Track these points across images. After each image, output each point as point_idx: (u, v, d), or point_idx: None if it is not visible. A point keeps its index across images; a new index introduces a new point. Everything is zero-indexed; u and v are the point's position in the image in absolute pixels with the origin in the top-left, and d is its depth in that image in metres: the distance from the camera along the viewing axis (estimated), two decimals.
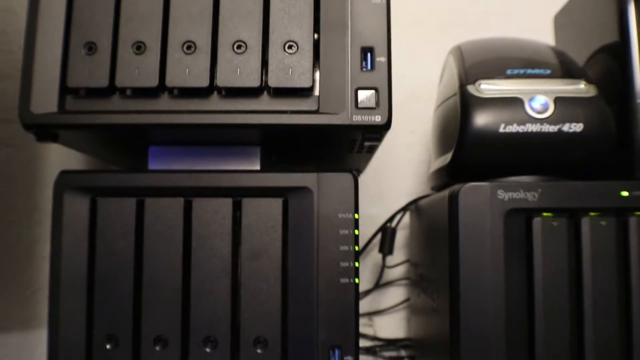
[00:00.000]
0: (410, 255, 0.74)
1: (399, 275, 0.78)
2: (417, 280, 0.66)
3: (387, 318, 0.78)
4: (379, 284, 0.76)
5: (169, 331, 0.46)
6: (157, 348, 0.46)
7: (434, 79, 0.67)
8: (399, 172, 0.79)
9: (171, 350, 0.46)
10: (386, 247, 0.71)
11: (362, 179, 0.78)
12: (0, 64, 0.70)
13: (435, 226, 0.53)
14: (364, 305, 0.77)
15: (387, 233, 0.71)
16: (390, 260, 0.76)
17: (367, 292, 0.77)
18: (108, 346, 0.46)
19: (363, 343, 0.74)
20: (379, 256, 0.74)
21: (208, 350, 0.45)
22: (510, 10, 0.81)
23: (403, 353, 0.74)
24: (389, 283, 0.78)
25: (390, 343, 0.76)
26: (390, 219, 0.73)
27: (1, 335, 0.70)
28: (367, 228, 0.77)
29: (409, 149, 0.79)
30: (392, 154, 0.79)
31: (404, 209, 0.72)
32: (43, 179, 0.73)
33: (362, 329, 0.76)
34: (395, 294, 0.78)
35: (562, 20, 0.71)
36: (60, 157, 0.72)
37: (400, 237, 0.77)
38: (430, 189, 0.65)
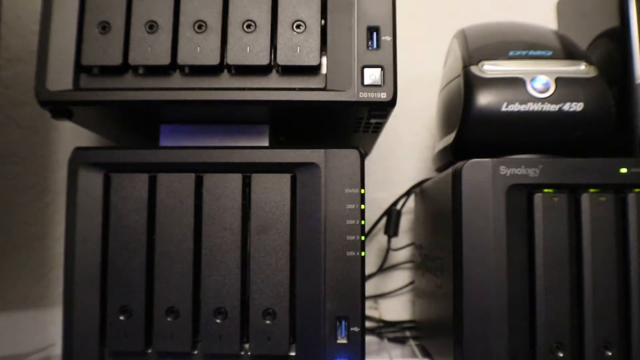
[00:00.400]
0: (415, 238, 0.75)
1: (404, 258, 0.79)
2: (422, 261, 0.67)
3: (392, 301, 0.79)
4: (384, 266, 0.78)
5: (181, 303, 0.47)
6: (169, 319, 0.47)
7: (438, 67, 0.69)
8: (404, 158, 0.81)
9: (183, 321, 0.47)
10: (391, 229, 0.72)
11: (369, 164, 0.79)
12: (15, 48, 0.72)
13: (439, 204, 0.55)
14: (370, 288, 0.79)
15: (392, 215, 0.73)
16: (396, 244, 0.77)
17: (373, 275, 0.78)
18: (121, 317, 0.47)
19: (369, 325, 0.76)
20: (385, 240, 0.76)
21: (218, 321, 0.47)
22: None
23: (408, 334, 0.75)
24: (394, 266, 0.79)
25: (396, 325, 0.77)
26: (395, 202, 0.74)
27: (17, 312, 0.72)
28: (373, 212, 0.78)
29: (414, 135, 0.81)
30: (397, 140, 0.80)
31: (408, 192, 0.73)
32: (56, 160, 0.74)
33: (368, 312, 0.77)
34: (401, 277, 0.79)
35: (564, 7, 0.72)
36: (72, 139, 0.74)
37: (406, 221, 0.78)
38: (434, 171, 0.66)
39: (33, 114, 0.73)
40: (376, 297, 0.79)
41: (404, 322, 0.77)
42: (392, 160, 0.80)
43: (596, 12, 0.61)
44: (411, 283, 0.78)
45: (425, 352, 0.66)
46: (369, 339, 0.76)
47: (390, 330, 0.76)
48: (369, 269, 0.78)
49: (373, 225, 0.77)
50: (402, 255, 0.79)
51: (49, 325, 0.73)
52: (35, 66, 0.47)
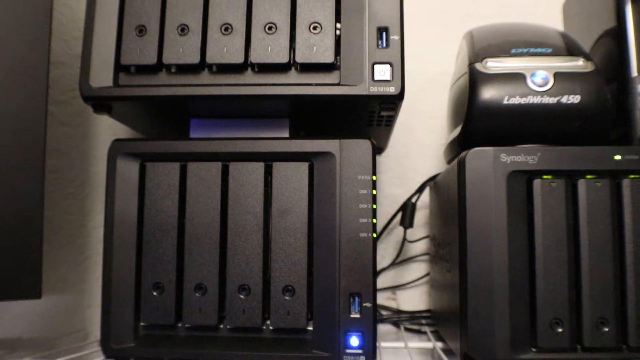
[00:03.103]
0: (430, 230, 0.79)
1: (420, 251, 0.82)
2: (435, 251, 0.71)
3: (409, 292, 0.82)
4: (401, 256, 0.81)
5: (208, 280, 0.52)
6: (198, 295, 0.52)
7: (452, 68, 0.72)
8: (420, 155, 0.84)
9: (210, 296, 0.52)
10: (407, 220, 0.76)
11: (385, 161, 0.83)
12: (58, 52, 0.78)
13: (448, 193, 0.58)
14: (388, 279, 0.82)
15: (407, 207, 0.76)
16: (412, 236, 0.81)
17: (390, 266, 0.81)
18: (155, 293, 0.52)
19: (387, 314, 0.79)
20: (402, 235, 0.79)
21: (242, 296, 0.51)
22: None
23: (424, 322, 0.78)
24: (411, 259, 0.82)
25: (412, 314, 0.80)
26: (411, 197, 0.78)
27: (56, 296, 0.77)
28: (391, 207, 0.82)
29: (430, 133, 0.84)
30: (414, 138, 0.84)
31: (422, 185, 0.77)
32: (94, 155, 0.80)
33: (386, 302, 0.81)
34: (417, 270, 0.82)
35: (570, 9, 0.76)
36: (109, 136, 0.80)
37: (422, 215, 0.81)
38: (446, 164, 0.70)
39: (74, 112, 0.79)
40: (394, 288, 0.82)
41: (420, 312, 0.80)
42: (409, 157, 0.83)
43: (598, 13, 0.65)
44: (427, 275, 0.81)
45: (439, 337, 0.69)
46: (387, 328, 0.80)
47: (407, 319, 0.79)
48: (387, 260, 0.81)
49: (390, 219, 0.81)
50: (418, 248, 0.82)
51: (87, 309, 0.78)
52: (80, 65, 0.52)
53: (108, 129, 0.80)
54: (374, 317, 0.51)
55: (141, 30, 0.52)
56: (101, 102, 0.53)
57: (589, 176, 0.51)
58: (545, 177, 0.51)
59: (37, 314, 0.77)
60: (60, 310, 0.78)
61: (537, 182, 0.50)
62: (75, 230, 0.79)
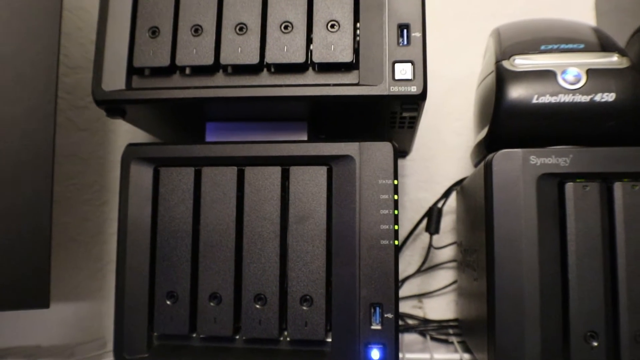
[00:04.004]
0: (457, 236, 0.76)
1: (447, 258, 0.80)
2: (462, 258, 0.68)
3: (436, 300, 0.80)
4: (426, 263, 0.78)
5: (223, 289, 0.50)
6: (212, 304, 0.50)
7: (478, 69, 0.70)
8: (446, 159, 0.82)
9: (225, 306, 0.50)
10: (432, 226, 0.73)
11: (411, 164, 0.80)
12: (76, 56, 0.78)
13: (475, 197, 0.56)
14: (414, 287, 0.79)
15: (433, 213, 0.74)
16: (439, 242, 0.78)
17: (416, 273, 0.79)
18: (168, 302, 0.51)
19: (412, 323, 0.77)
20: (428, 241, 0.77)
21: (258, 306, 0.49)
22: None
23: (451, 332, 0.76)
24: (438, 266, 0.80)
25: (439, 324, 0.77)
26: (437, 202, 0.75)
27: (74, 303, 0.77)
28: (417, 212, 0.79)
29: (456, 136, 0.82)
30: (439, 140, 0.81)
31: (449, 190, 0.74)
32: (112, 161, 0.79)
33: (412, 311, 0.79)
34: (445, 277, 0.80)
35: (603, 3, 0.72)
36: (126, 141, 0.78)
37: (449, 221, 0.79)
38: (473, 167, 0.67)
39: (92, 117, 0.79)
40: (420, 296, 0.80)
41: (447, 321, 0.78)
42: (435, 161, 0.81)
43: (634, 8, 0.61)
44: (454, 282, 0.79)
45: (466, 349, 0.67)
46: (413, 337, 0.77)
47: (434, 329, 0.77)
48: (413, 267, 0.79)
49: (416, 225, 0.78)
50: (445, 255, 0.79)
51: (104, 317, 0.77)
52: (92, 69, 0.51)
53: (126, 134, 0.79)
54: (396, 328, 0.48)
55: (154, 31, 0.51)
56: (114, 106, 0.52)
57: (625, 179, 0.47)
58: (578, 180, 0.48)
59: (55, 321, 0.76)
60: (79, 317, 0.77)
61: (569, 186, 0.48)
62: (93, 236, 0.78)
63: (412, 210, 0.79)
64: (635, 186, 0.47)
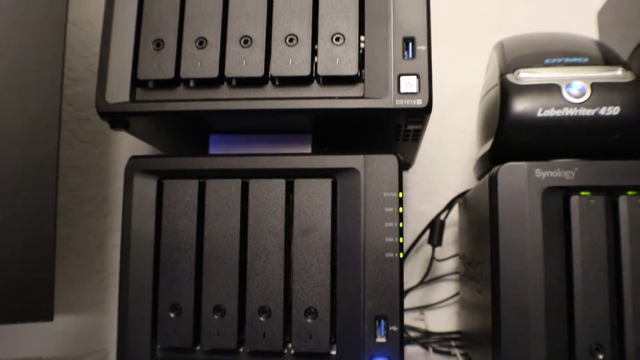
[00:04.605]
0: (459, 248, 0.76)
1: (449, 270, 0.79)
2: (465, 270, 0.68)
3: (438, 312, 0.80)
4: (429, 275, 0.78)
5: (227, 301, 0.50)
6: (216, 317, 0.50)
7: (482, 81, 0.70)
8: (449, 171, 0.82)
9: (229, 319, 0.49)
10: (435, 239, 0.73)
11: (413, 177, 0.80)
12: (79, 69, 0.78)
13: (479, 210, 0.56)
14: (416, 299, 0.79)
15: (435, 225, 0.74)
16: (441, 255, 0.78)
17: (418, 285, 0.79)
18: (172, 315, 0.50)
19: (414, 335, 0.77)
20: (430, 253, 0.77)
21: (262, 319, 0.49)
22: (554, 7, 0.83)
23: (453, 344, 0.75)
24: (440, 278, 0.79)
25: (441, 336, 0.77)
26: (439, 213, 0.75)
27: (76, 315, 0.76)
28: (419, 224, 0.79)
29: (459, 148, 0.82)
30: (442, 153, 0.81)
31: (451, 202, 0.74)
32: (115, 173, 0.79)
33: (414, 323, 0.78)
34: (447, 289, 0.79)
35: (605, 16, 0.73)
36: (129, 154, 0.78)
37: (452, 233, 0.79)
38: (476, 180, 0.67)
39: (94, 129, 0.79)
40: (422, 308, 0.80)
41: (450, 333, 0.78)
42: (437, 173, 0.81)
43: (636, 21, 0.62)
44: (457, 294, 0.78)
45: None
46: (415, 349, 0.77)
47: (436, 341, 0.76)
48: (415, 279, 0.79)
49: (418, 237, 0.78)
50: (448, 267, 0.79)
51: (106, 329, 0.77)
52: (96, 81, 0.51)
53: (129, 146, 0.79)
54: (401, 341, 0.48)
55: (158, 44, 0.51)
56: (118, 118, 0.52)
57: (630, 192, 0.48)
58: (583, 193, 0.48)
59: (57, 333, 0.76)
60: (80, 329, 0.76)
61: (574, 199, 0.48)
62: (95, 248, 0.78)
63: (414, 223, 0.79)
64: None
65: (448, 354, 0.75)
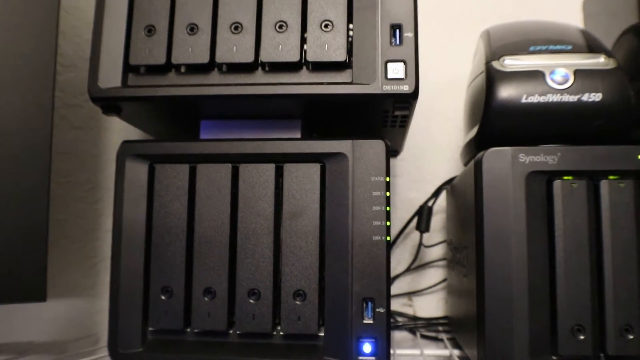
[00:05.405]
0: (447, 234, 0.77)
1: (437, 256, 0.80)
2: (452, 256, 0.69)
3: (426, 298, 0.81)
4: (417, 261, 0.79)
5: (217, 284, 0.51)
6: (207, 299, 0.50)
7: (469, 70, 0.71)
8: (437, 159, 0.82)
9: (219, 301, 0.50)
10: (423, 225, 0.74)
11: (402, 164, 0.81)
12: (70, 55, 0.78)
13: (464, 195, 0.57)
14: (404, 285, 0.80)
15: (423, 211, 0.75)
16: (429, 241, 0.79)
17: (406, 271, 0.80)
18: (163, 297, 0.51)
19: (403, 321, 0.78)
20: (418, 240, 0.78)
21: (252, 301, 0.50)
22: None
23: (440, 329, 0.77)
24: (428, 264, 0.80)
25: (429, 322, 0.78)
26: (427, 201, 0.76)
27: (67, 300, 0.77)
28: (407, 211, 0.80)
29: (447, 135, 0.83)
30: (430, 141, 0.82)
31: (439, 189, 0.75)
32: (106, 159, 0.80)
33: (402, 309, 0.79)
34: (434, 276, 0.80)
35: (590, 6, 0.74)
36: (120, 139, 0.78)
37: (440, 219, 0.80)
38: (463, 166, 0.68)
39: (86, 115, 0.79)
40: (410, 294, 0.81)
41: (437, 319, 0.79)
42: (425, 160, 0.82)
43: (620, 10, 0.63)
44: (444, 280, 0.80)
45: (456, 345, 0.67)
46: (403, 335, 0.78)
47: (423, 326, 0.78)
48: (403, 266, 0.80)
49: (406, 224, 0.79)
50: (435, 253, 0.80)
51: (97, 313, 0.78)
52: (89, 66, 0.51)
53: (120, 132, 0.79)
54: (387, 322, 0.49)
55: (150, 30, 0.51)
56: (110, 103, 0.52)
57: (611, 177, 0.49)
58: (565, 177, 0.49)
59: (48, 318, 0.77)
60: (71, 314, 0.77)
61: (557, 183, 0.49)
62: (86, 234, 0.78)
63: (402, 210, 0.80)
64: (621, 184, 0.48)
65: (435, 339, 0.76)
